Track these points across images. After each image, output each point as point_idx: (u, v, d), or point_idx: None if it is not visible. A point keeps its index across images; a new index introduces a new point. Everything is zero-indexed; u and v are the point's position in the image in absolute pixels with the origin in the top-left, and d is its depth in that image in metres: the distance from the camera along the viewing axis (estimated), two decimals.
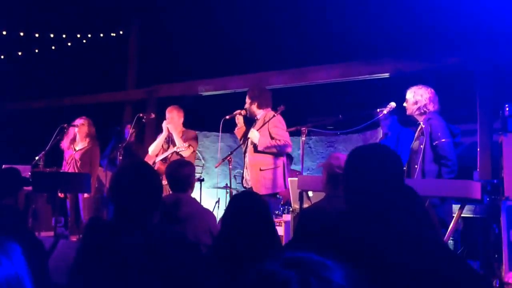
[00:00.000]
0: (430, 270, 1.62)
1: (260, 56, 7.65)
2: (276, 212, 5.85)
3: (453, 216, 4.37)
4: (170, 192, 3.67)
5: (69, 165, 6.17)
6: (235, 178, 7.07)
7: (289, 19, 7.60)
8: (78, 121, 6.22)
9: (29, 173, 5.61)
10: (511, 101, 4.57)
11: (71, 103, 9.23)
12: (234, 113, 5.23)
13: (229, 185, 5.73)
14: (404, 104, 4.45)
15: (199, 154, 8.40)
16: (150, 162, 5.32)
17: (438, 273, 1.65)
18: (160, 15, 8.84)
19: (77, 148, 6.22)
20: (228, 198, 5.71)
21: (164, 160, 5.47)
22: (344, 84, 7.10)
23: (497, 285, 4.07)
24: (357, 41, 6.72)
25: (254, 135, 4.96)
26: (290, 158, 7.34)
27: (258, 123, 5.04)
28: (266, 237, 2.36)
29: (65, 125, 6.09)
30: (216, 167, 5.74)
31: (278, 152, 4.91)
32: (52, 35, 9.42)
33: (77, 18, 9.10)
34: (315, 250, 0.89)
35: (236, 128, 5.29)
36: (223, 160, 5.37)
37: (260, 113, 5.10)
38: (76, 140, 6.26)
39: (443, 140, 4.15)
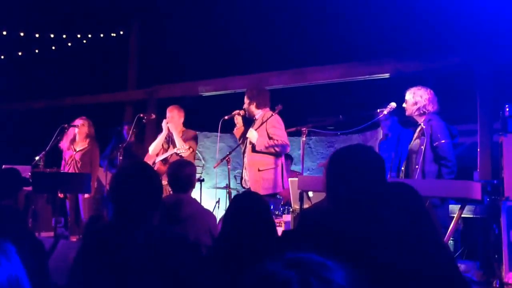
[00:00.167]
0: (415, 270, 1.63)
1: (261, 56, 7.65)
2: (276, 213, 5.84)
3: (452, 217, 4.38)
4: (170, 192, 3.67)
5: (69, 166, 6.17)
6: (236, 179, 7.07)
7: (289, 19, 7.60)
8: (78, 122, 6.22)
9: (29, 174, 5.61)
10: (511, 101, 4.57)
11: (71, 103, 9.23)
12: (233, 113, 5.23)
13: (228, 185, 5.73)
14: (404, 105, 4.45)
15: (199, 155, 8.40)
16: (150, 162, 5.32)
17: (421, 273, 1.66)
18: (160, 15, 8.85)
19: (77, 149, 6.22)
20: (228, 199, 5.70)
21: (164, 161, 5.47)
22: (344, 85, 7.10)
23: (497, 285, 4.08)
24: (358, 42, 6.73)
25: (252, 134, 4.96)
26: (290, 158, 7.34)
27: (257, 123, 5.04)
28: (267, 237, 2.36)
29: (66, 125, 6.08)
30: (214, 167, 5.74)
31: (276, 152, 4.90)
32: (52, 35, 9.42)
33: (77, 18, 9.10)
34: (315, 250, 0.89)
35: (235, 128, 5.29)
36: (222, 160, 5.37)
37: (258, 113, 5.09)
38: (76, 140, 6.25)
39: (443, 141, 4.17)
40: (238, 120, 5.24)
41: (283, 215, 5.86)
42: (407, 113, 4.45)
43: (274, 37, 7.63)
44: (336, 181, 1.74)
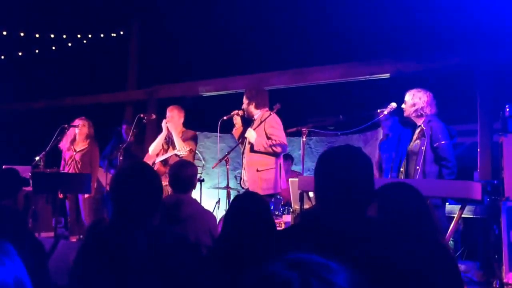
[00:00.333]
0: (415, 270, 1.64)
1: (261, 56, 7.65)
2: (276, 213, 5.84)
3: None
4: (170, 192, 3.67)
5: (69, 166, 6.17)
6: (236, 179, 7.07)
7: (290, 19, 7.60)
8: (78, 122, 6.21)
9: (30, 174, 5.61)
10: (511, 101, 4.57)
11: (71, 103, 9.23)
12: (232, 113, 5.22)
13: (227, 185, 5.73)
14: (403, 106, 4.48)
15: (199, 155, 8.39)
16: (150, 162, 5.32)
17: (421, 273, 1.67)
18: (160, 16, 8.85)
19: (77, 149, 6.22)
20: (228, 199, 5.70)
21: (164, 162, 5.46)
22: (344, 85, 7.11)
23: (497, 286, 4.08)
24: (358, 42, 6.74)
25: (251, 134, 4.95)
26: (291, 158, 7.34)
27: (255, 123, 5.04)
28: (267, 238, 2.36)
29: (66, 125, 6.08)
30: (213, 167, 5.74)
31: (274, 152, 4.90)
32: (52, 36, 9.42)
33: (78, 18, 9.10)
34: (312, 250, 0.89)
35: (234, 129, 5.29)
36: (220, 160, 5.36)
37: (257, 114, 5.08)
38: (76, 140, 6.25)
39: (443, 142, 4.20)
40: (237, 121, 5.24)
41: (283, 216, 5.86)
42: (405, 114, 4.50)
43: (274, 37, 7.63)
44: (322, 181, 1.75)
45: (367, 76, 6.73)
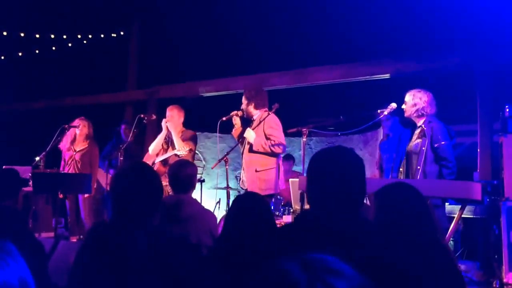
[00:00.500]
0: (414, 270, 1.64)
1: (261, 57, 7.66)
2: (277, 213, 5.84)
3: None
4: (170, 192, 3.66)
5: (69, 166, 6.17)
6: (236, 179, 7.06)
7: (290, 19, 7.61)
8: (78, 122, 6.21)
9: (30, 174, 5.61)
10: (511, 101, 4.57)
11: (71, 103, 9.24)
12: (231, 114, 5.22)
13: (227, 185, 5.73)
14: (403, 106, 4.48)
15: (199, 155, 8.39)
16: (150, 162, 5.32)
17: (421, 273, 1.68)
18: (160, 16, 8.85)
19: (77, 149, 6.22)
20: (227, 199, 5.70)
21: (163, 162, 5.46)
22: (345, 85, 7.11)
23: (497, 286, 4.08)
24: (358, 42, 6.74)
25: (249, 134, 4.95)
26: (292, 159, 7.34)
27: (254, 123, 5.03)
28: (268, 238, 2.36)
29: (66, 126, 6.08)
30: (212, 168, 5.73)
31: (273, 152, 4.90)
32: (52, 36, 9.43)
33: (78, 18, 9.11)
34: (311, 249, 0.89)
35: (233, 129, 5.29)
36: (219, 161, 5.36)
37: (256, 114, 5.08)
38: (76, 141, 6.26)
39: (443, 142, 4.21)
40: (236, 121, 5.24)
41: (284, 216, 5.86)
42: (405, 114, 4.51)
43: (275, 38, 7.63)
44: (314, 182, 1.75)
45: (367, 77, 6.73)
